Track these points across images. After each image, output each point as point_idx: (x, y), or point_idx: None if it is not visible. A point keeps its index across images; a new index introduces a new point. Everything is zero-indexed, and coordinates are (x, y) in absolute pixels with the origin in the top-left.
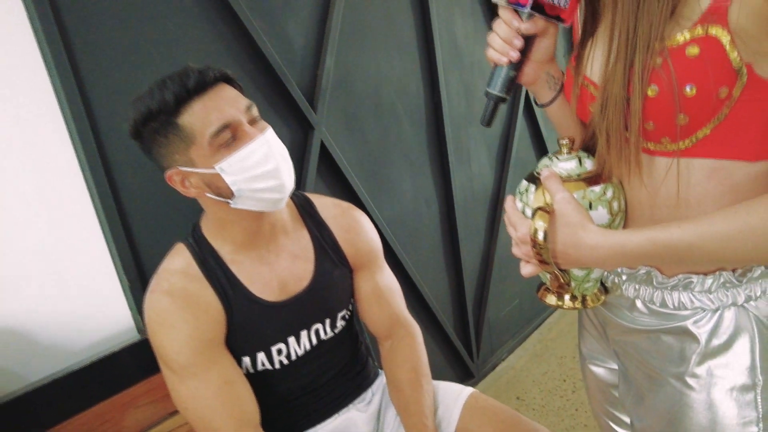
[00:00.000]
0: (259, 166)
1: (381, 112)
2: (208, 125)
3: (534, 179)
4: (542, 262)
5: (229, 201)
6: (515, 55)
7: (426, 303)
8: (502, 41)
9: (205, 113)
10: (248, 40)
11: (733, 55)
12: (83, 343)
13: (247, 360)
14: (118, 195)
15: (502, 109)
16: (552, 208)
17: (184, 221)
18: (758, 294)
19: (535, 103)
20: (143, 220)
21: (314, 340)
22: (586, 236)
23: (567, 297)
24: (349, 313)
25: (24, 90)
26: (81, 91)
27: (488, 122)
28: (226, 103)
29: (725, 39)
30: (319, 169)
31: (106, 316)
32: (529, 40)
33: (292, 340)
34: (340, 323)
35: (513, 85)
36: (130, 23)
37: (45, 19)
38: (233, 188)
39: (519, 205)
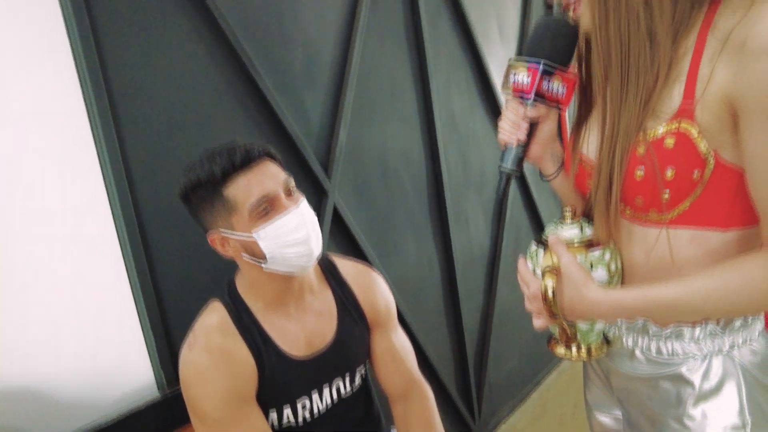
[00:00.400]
0: (291, 235)
1: (387, 178)
2: (249, 197)
3: (542, 243)
4: (552, 315)
5: (262, 263)
6: (523, 137)
7: (430, 363)
8: (510, 125)
9: (248, 187)
10: (271, 113)
11: (702, 145)
12: (105, 401)
13: (273, 415)
14: (150, 253)
15: (496, 174)
16: (559, 269)
17: (211, 280)
18: (740, 343)
19: (541, 176)
20: (172, 278)
21: (335, 396)
22: (588, 293)
23: (574, 348)
24: (365, 370)
25: (71, 162)
26: (123, 158)
27: (503, 194)
28: (267, 177)
29: (694, 132)
30: (332, 231)
31: (127, 373)
32: (533, 124)
33: (315, 395)
34: (357, 380)
35: (522, 162)
36: (172, 99)
37: (99, 98)
38: (266, 252)
39: (530, 265)
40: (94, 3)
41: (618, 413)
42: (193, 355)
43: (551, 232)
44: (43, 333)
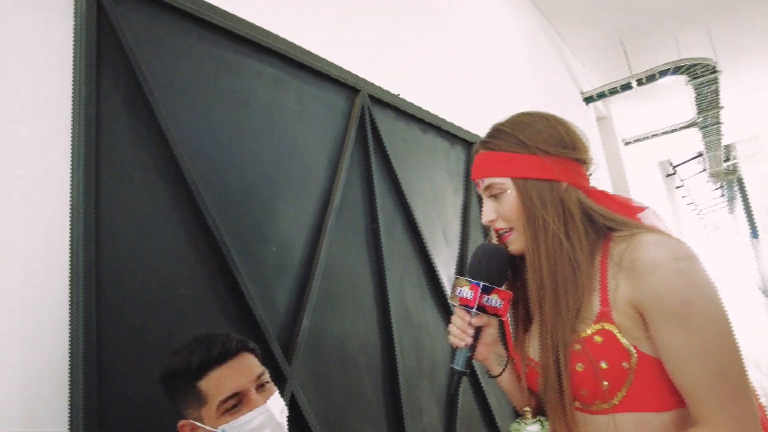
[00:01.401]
0: None
1: (345, 366)
2: (220, 392)
3: None
4: None
5: None
6: (470, 340)
7: None
8: (459, 331)
9: (220, 381)
10: (242, 301)
11: (623, 341)
12: None
13: None
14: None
15: (447, 362)
16: None
17: None
18: None
19: (489, 375)
20: None
21: None
22: None
23: None
24: None
25: (41, 336)
26: (98, 336)
27: (454, 391)
28: (240, 373)
29: (615, 330)
30: (289, 418)
31: None
32: (478, 330)
33: None
34: None
35: (471, 362)
36: (153, 283)
37: (88, 278)
38: None
39: None
40: (103, 197)
41: None
42: None
43: (515, 429)
44: None
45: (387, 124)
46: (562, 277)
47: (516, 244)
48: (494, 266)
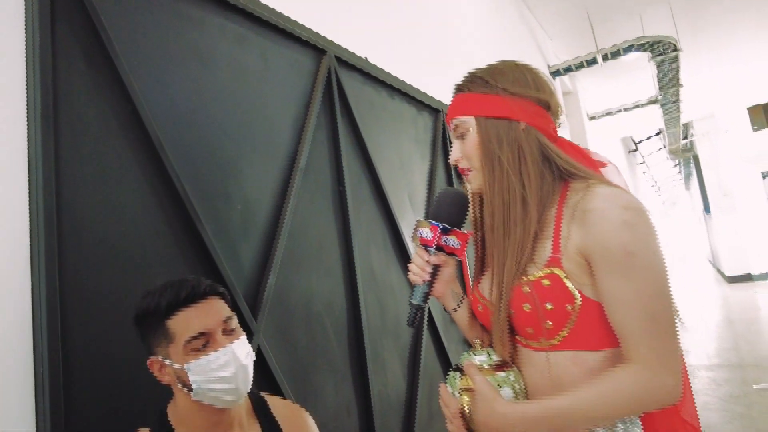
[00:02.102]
0: (218, 372)
1: (311, 323)
2: (187, 332)
3: (458, 369)
4: (469, 431)
5: (191, 394)
6: (428, 277)
7: None
8: (418, 269)
9: (188, 321)
10: (207, 256)
11: (569, 285)
12: None
13: None
14: (70, 384)
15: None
16: (473, 389)
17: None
18: None
19: (445, 310)
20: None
21: None
22: (498, 407)
23: None
24: None
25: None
26: (60, 278)
27: (412, 324)
28: (207, 314)
29: (563, 275)
30: (255, 372)
31: None
32: (436, 268)
33: None
34: None
35: (428, 297)
36: (114, 230)
37: (49, 222)
38: (193, 385)
39: (449, 389)
40: (63, 149)
41: None
42: None
43: (465, 359)
44: None
45: (354, 87)
46: (514, 214)
47: (475, 182)
48: (454, 209)
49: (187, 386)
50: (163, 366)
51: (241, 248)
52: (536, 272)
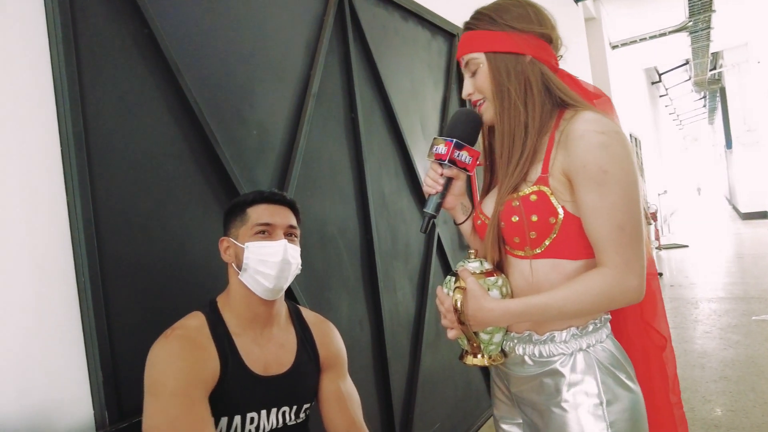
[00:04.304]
0: (268, 257)
1: (325, 245)
2: (259, 218)
3: (454, 274)
4: (460, 324)
5: (239, 273)
6: (440, 188)
7: None
8: (432, 181)
9: (262, 211)
10: (227, 179)
11: (554, 201)
12: None
13: (224, 422)
14: (107, 294)
15: (420, 248)
16: (465, 288)
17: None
18: (594, 342)
19: (455, 222)
20: (127, 321)
21: (280, 421)
22: (486, 303)
23: (479, 356)
24: (309, 410)
25: (40, 203)
26: (94, 206)
27: (425, 231)
28: (278, 213)
29: (548, 192)
30: None
31: (66, 412)
32: (448, 181)
33: (264, 413)
34: (302, 416)
35: (440, 208)
36: (141, 159)
37: (79, 152)
38: (244, 262)
39: (445, 290)
40: (85, 73)
41: (519, 420)
42: (167, 341)
43: (460, 266)
44: None
45: (366, 9)
46: (518, 140)
47: (488, 113)
48: (467, 127)
49: (239, 265)
50: (230, 246)
51: (257, 172)
52: (526, 189)
